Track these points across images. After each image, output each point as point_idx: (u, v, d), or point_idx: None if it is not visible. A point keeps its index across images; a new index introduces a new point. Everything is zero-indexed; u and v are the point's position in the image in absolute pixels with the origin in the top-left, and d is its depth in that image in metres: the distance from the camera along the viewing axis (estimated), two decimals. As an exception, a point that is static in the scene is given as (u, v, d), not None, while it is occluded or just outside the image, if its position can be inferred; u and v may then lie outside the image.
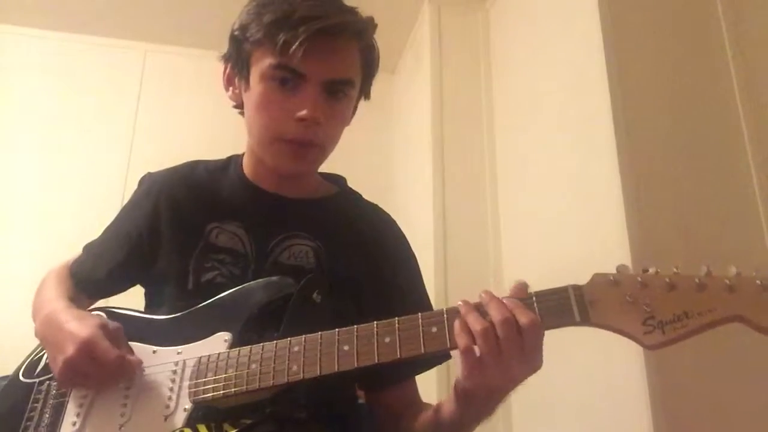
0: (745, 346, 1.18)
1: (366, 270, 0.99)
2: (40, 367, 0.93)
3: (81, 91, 2.69)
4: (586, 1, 1.60)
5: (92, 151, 2.61)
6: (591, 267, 0.73)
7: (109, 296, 1.10)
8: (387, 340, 0.74)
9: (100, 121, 2.67)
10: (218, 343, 0.85)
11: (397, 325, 0.75)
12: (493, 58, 2.34)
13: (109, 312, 0.97)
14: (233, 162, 1.09)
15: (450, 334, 0.72)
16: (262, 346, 0.81)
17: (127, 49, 2.79)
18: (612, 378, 1.39)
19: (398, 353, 0.73)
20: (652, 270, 0.69)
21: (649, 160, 1.43)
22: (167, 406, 0.82)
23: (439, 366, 1.00)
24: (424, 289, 1.07)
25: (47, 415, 0.87)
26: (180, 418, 0.80)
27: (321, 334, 0.78)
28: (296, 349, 0.78)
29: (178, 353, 0.87)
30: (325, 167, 1.06)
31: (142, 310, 1.02)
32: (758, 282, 0.65)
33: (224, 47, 1.01)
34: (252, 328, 0.87)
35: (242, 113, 1.01)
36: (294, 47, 0.86)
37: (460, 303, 0.74)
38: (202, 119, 2.65)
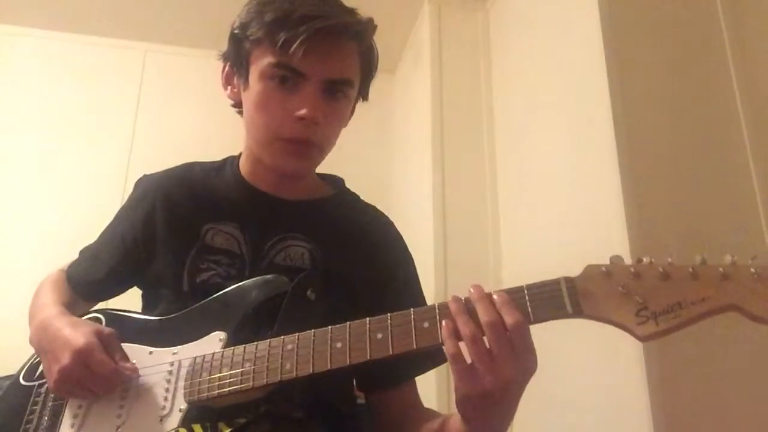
0: (745, 345, 1.18)
1: (362, 272, 0.98)
2: (39, 370, 0.94)
3: (81, 91, 2.69)
4: (586, 1, 1.60)
5: (92, 151, 2.61)
6: (591, 267, 0.71)
7: (107, 299, 1.10)
8: (379, 336, 0.73)
9: (100, 121, 2.67)
10: (213, 342, 0.85)
11: (389, 321, 0.74)
12: (493, 58, 2.34)
13: (107, 313, 0.98)
14: (229, 163, 1.08)
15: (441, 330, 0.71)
16: (256, 344, 0.80)
17: (127, 49, 2.79)
18: (612, 377, 1.38)
19: (390, 349, 0.72)
20: (645, 260, 0.68)
21: (649, 160, 1.43)
22: (163, 407, 0.82)
23: (439, 369, 0.99)
24: (421, 292, 1.07)
25: (46, 418, 0.88)
26: (175, 418, 0.81)
27: (314, 332, 0.77)
28: (289, 347, 0.78)
29: (174, 354, 0.87)
30: (325, 167, 1.06)
31: (139, 311, 1.02)
32: (753, 270, 0.62)
33: (224, 47, 1.01)
34: (247, 327, 0.86)
35: (240, 112, 1.01)
36: (294, 46, 0.86)
37: (450, 300, 0.72)
38: (201, 119, 2.64)
